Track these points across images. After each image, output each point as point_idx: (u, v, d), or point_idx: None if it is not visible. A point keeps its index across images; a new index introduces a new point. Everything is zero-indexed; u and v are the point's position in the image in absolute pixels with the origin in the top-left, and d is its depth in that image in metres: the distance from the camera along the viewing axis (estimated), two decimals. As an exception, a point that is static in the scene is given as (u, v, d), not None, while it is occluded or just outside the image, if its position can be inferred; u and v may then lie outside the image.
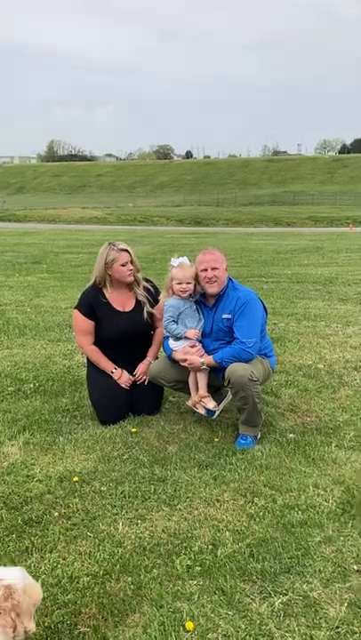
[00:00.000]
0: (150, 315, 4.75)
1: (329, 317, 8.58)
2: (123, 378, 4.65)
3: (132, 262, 4.64)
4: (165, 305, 4.45)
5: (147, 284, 4.84)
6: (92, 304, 4.69)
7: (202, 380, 4.43)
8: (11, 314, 8.99)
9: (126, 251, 4.62)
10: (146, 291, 4.80)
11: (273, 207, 60.01)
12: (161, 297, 4.59)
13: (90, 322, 4.69)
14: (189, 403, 4.51)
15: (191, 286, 4.36)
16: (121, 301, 4.74)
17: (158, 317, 4.71)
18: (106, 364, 4.68)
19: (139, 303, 4.76)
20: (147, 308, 4.74)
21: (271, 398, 5.17)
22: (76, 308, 4.79)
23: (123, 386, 4.63)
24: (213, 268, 4.31)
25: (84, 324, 4.71)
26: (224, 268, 4.39)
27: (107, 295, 4.71)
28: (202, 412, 4.45)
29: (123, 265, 4.60)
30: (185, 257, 4.43)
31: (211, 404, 4.40)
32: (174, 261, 4.39)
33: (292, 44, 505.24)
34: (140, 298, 4.75)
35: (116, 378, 4.64)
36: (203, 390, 4.42)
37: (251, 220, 45.71)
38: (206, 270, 4.32)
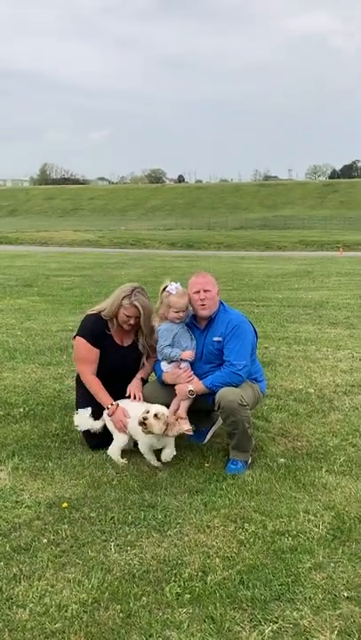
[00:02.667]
0: (144, 364, 4.75)
1: (319, 341, 8.62)
2: (116, 416, 4.45)
3: (137, 317, 4.51)
4: (160, 330, 4.43)
5: (153, 342, 4.67)
6: (99, 333, 4.60)
7: (185, 403, 4.42)
8: (1, 337, 8.97)
9: (136, 308, 4.49)
10: (149, 347, 4.70)
11: (264, 231, 60.48)
12: (154, 323, 4.54)
13: (96, 350, 4.59)
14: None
15: (184, 314, 4.41)
16: (120, 336, 4.69)
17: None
18: (105, 398, 4.51)
19: (137, 341, 4.71)
20: (143, 359, 4.71)
21: (262, 423, 5.18)
22: (79, 335, 4.65)
23: (114, 423, 4.46)
24: (205, 290, 4.35)
25: (89, 352, 4.60)
26: (216, 291, 4.42)
27: (110, 327, 4.65)
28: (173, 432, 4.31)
29: (127, 315, 4.53)
30: (178, 283, 4.43)
31: (185, 426, 4.32)
32: (171, 288, 4.36)
33: (285, 71, 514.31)
34: (140, 348, 4.69)
35: (109, 414, 4.47)
36: (182, 411, 4.38)
37: (242, 244, 46.05)
38: (199, 292, 4.35)
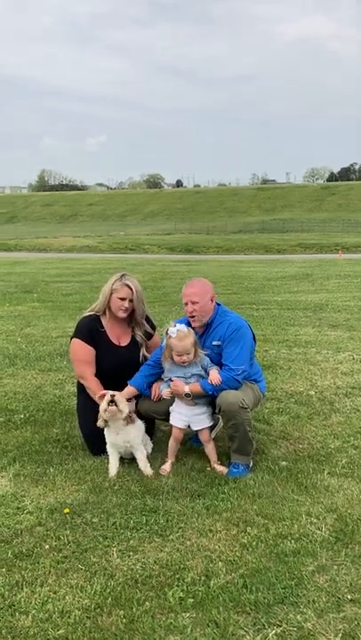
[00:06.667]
0: (144, 356, 4.70)
1: (319, 344, 8.61)
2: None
3: (131, 301, 4.54)
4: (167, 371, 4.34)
5: (147, 328, 4.76)
6: (92, 330, 4.61)
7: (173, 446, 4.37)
8: (1, 343, 8.97)
9: (129, 287, 4.53)
10: (146, 334, 4.74)
11: (263, 234, 60.54)
12: (164, 365, 4.38)
13: (91, 349, 4.57)
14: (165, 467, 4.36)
15: (192, 356, 4.21)
16: (116, 334, 4.68)
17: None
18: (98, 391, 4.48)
19: (135, 341, 4.71)
20: (143, 351, 4.70)
21: (263, 426, 5.17)
22: (74, 337, 4.65)
23: None
24: (193, 302, 4.30)
25: (85, 351, 4.58)
26: (206, 300, 4.33)
27: (104, 324, 4.66)
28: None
29: (120, 298, 4.54)
30: (182, 324, 4.27)
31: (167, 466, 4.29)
32: (172, 331, 4.19)
33: (282, 76, 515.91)
34: (138, 339, 4.70)
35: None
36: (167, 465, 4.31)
37: (241, 248, 46.04)
38: (187, 304, 4.33)
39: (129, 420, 4.20)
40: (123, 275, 4.64)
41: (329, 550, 3.21)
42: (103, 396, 4.15)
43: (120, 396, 4.17)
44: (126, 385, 4.51)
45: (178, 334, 4.18)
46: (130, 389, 4.46)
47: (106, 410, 4.10)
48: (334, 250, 40.93)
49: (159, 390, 4.43)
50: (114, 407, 4.10)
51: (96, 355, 4.60)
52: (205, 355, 4.32)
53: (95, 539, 3.36)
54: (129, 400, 4.34)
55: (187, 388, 4.24)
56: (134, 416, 4.29)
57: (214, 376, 4.17)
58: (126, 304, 4.55)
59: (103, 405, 4.11)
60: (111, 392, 4.15)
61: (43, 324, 10.73)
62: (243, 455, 4.25)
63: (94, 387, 4.53)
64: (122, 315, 4.59)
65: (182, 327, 4.23)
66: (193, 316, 4.33)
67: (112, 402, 4.09)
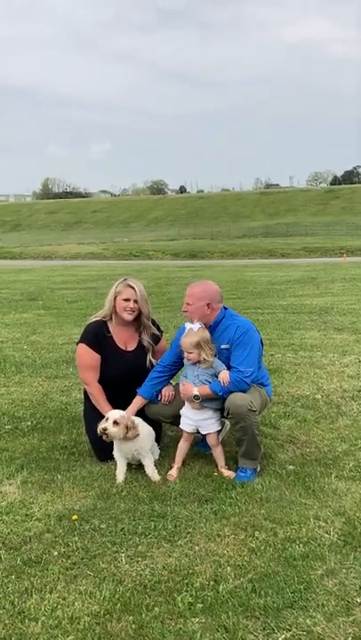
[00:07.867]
0: (151, 362, 4.73)
1: (325, 347, 8.61)
2: None
3: (135, 302, 4.58)
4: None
5: (154, 330, 4.81)
6: (98, 335, 4.64)
7: (183, 448, 4.43)
8: (7, 351, 9.00)
9: (131, 287, 4.60)
10: (153, 337, 4.78)
11: (267, 239, 60.48)
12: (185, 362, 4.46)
13: (96, 355, 4.59)
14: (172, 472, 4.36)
15: (194, 355, 4.24)
16: (123, 338, 4.70)
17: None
18: (105, 407, 4.48)
19: (142, 346, 4.74)
20: (149, 356, 4.73)
21: (270, 430, 5.17)
22: (80, 342, 4.68)
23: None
24: (188, 303, 4.42)
25: (90, 357, 4.61)
26: (200, 305, 4.36)
27: (110, 329, 4.69)
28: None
29: (124, 300, 4.59)
30: (198, 323, 4.32)
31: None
32: (186, 326, 4.36)
33: (284, 79, 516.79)
34: (145, 344, 4.73)
35: None
36: (174, 471, 4.35)
37: (245, 252, 46.07)
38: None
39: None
40: (125, 278, 4.71)
41: (337, 554, 3.20)
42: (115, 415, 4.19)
43: (133, 419, 4.23)
44: (133, 389, 4.54)
45: (186, 331, 4.30)
46: (139, 400, 4.50)
47: (129, 436, 4.15)
48: (339, 253, 40.89)
49: (169, 393, 4.51)
50: (134, 432, 4.17)
51: (102, 360, 4.62)
52: (216, 357, 4.34)
53: (104, 545, 3.37)
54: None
55: (195, 390, 4.26)
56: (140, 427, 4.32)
57: (224, 376, 4.20)
58: (131, 304, 4.58)
59: (120, 432, 4.12)
60: (124, 416, 4.20)
61: (48, 332, 10.76)
62: (250, 459, 4.25)
63: (97, 393, 4.58)
64: (128, 317, 4.61)
65: (194, 326, 4.31)
66: (186, 312, 4.43)
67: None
